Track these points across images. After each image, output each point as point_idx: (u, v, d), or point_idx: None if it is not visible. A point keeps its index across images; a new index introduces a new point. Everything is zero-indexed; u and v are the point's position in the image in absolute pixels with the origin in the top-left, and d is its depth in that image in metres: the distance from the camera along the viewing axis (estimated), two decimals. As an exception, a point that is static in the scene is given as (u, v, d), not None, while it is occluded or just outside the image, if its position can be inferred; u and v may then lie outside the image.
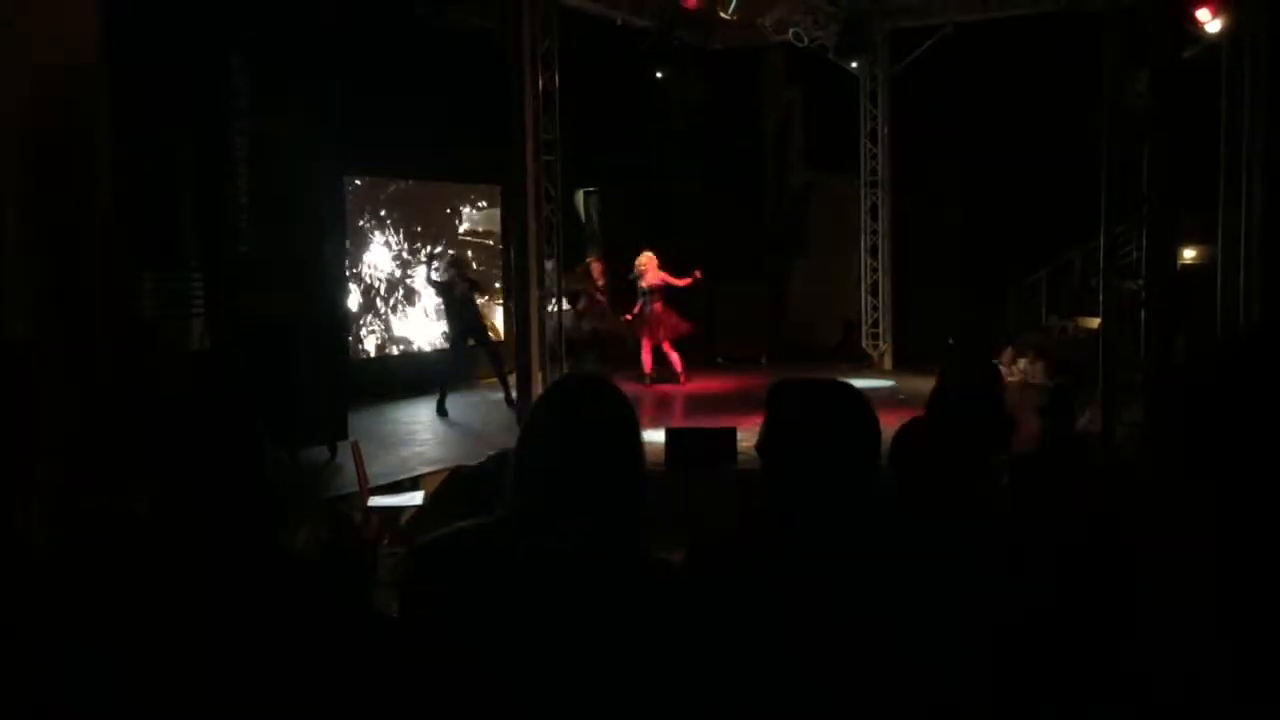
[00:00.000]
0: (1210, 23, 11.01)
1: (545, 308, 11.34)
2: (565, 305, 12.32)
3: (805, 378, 2.24)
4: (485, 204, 14.51)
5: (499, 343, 13.14)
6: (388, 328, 13.35)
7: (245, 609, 1.88)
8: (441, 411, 11.53)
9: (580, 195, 15.15)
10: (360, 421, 10.44)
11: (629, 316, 12.98)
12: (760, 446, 2.14)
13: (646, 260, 12.79)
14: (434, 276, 12.06)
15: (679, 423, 10.63)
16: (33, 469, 4.25)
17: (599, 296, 13.82)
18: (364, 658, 1.90)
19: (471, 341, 11.84)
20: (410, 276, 13.51)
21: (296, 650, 1.88)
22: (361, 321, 12.91)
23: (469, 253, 13.84)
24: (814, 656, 1.92)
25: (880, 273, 15.27)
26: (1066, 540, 2.79)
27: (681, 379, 13.00)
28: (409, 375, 12.88)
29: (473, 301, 11.84)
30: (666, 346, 12.87)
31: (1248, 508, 1.42)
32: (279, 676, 1.86)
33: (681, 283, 12.76)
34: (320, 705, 1.88)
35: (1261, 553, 1.42)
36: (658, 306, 12.73)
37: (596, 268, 13.91)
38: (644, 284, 12.80)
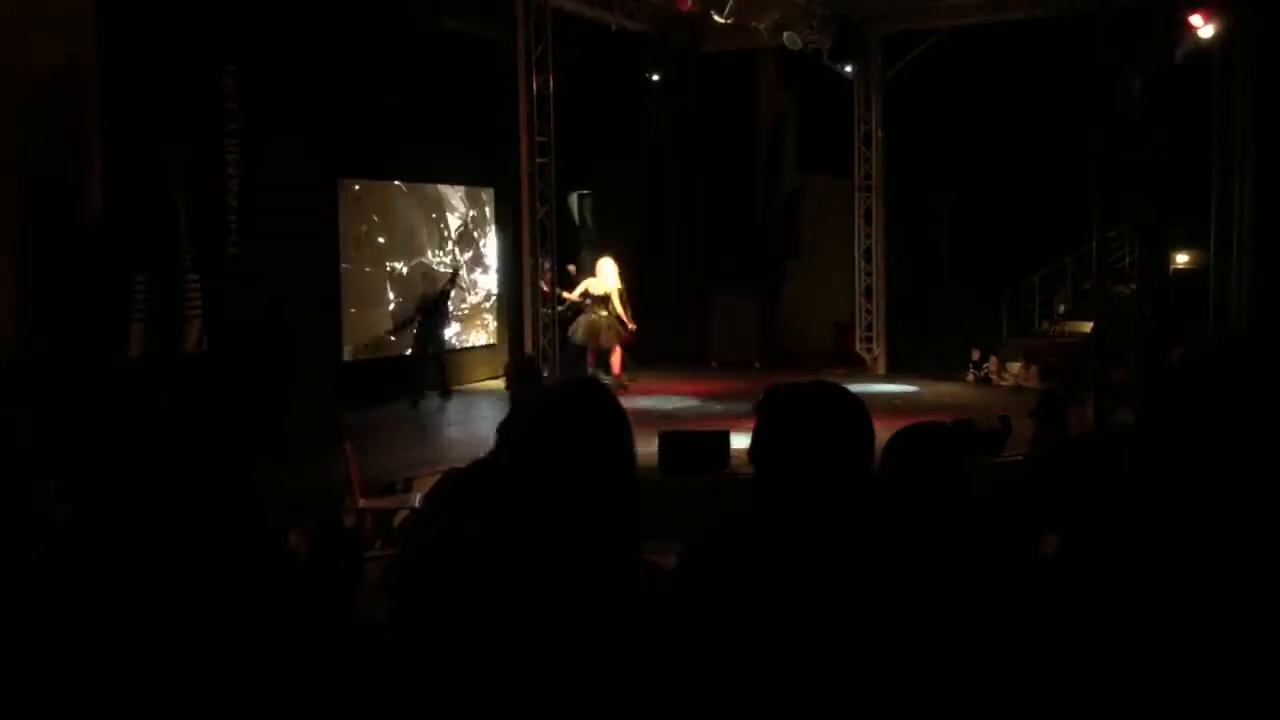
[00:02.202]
0: (1204, 28, 11.05)
1: (539, 310, 11.34)
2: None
3: (798, 382, 2.22)
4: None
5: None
6: (384, 329, 13.30)
7: (233, 614, 1.88)
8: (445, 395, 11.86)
9: (574, 198, 15.15)
10: (353, 423, 10.41)
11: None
12: (753, 451, 2.13)
13: (605, 267, 12.56)
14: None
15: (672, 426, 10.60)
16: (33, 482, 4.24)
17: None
18: (351, 661, 1.89)
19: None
20: (406, 278, 13.48)
21: (284, 654, 1.87)
22: (354, 323, 12.86)
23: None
24: (805, 661, 1.91)
25: (874, 277, 15.29)
26: (1060, 539, 2.80)
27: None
28: (401, 377, 12.84)
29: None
30: (592, 358, 12.57)
31: (1238, 512, 1.42)
32: (265, 680, 1.85)
33: (622, 312, 12.57)
34: (307, 708, 1.87)
35: (1252, 557, 1.42)
36: (603, 313, 12.46)
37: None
38: (594, 290, 12.55)
